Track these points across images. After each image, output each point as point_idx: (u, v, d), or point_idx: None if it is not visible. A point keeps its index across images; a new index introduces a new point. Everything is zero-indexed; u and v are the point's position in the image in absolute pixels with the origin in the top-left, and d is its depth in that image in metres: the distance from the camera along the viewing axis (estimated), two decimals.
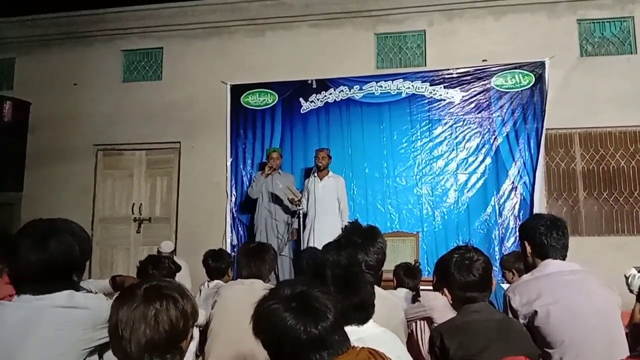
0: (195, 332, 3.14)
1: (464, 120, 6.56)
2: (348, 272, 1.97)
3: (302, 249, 5.96)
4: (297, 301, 1.38)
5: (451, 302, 2.27)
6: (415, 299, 3.93)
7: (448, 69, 6.62)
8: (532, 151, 6.32)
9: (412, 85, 6.67)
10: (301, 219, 6.01)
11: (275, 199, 6.30)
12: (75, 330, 1.75)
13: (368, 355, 1.48)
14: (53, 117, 7.54)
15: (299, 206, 5.95)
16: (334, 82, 6.87)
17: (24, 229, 1.88)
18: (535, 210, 6.05)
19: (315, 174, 6.21)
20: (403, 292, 4.02)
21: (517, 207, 6.31)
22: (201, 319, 2.98)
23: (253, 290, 3.09)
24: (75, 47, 7.81)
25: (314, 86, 6.90)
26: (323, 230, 5.78)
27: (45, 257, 1.79)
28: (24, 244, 1.81)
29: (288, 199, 6.07)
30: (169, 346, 1.46)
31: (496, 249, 6.21)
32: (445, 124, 6.60)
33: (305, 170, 6.72)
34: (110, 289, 2.86)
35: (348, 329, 1.56)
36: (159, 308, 1.44)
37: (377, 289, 2.14)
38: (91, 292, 2.52)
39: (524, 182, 6.32)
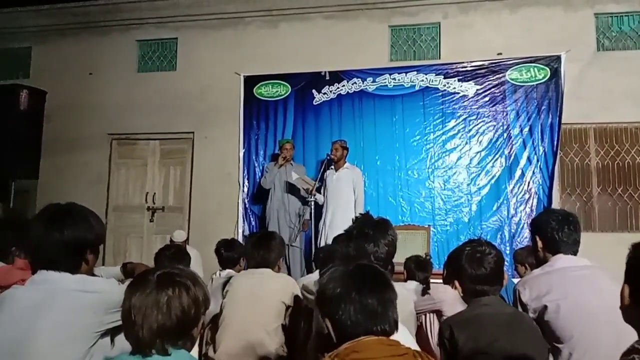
0: None
1: (477, 114, 6.51)
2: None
3: (315, 240, 6.00)
4: (355, 270, 1.61)
5: (462, 294, 2.28)
6: (425, 291, 3.94)
7: (462, 62, 6.56)
8: (546, 146, 6.26)
9: (426, 78, 6.63)
10: (313, 210, 6.01)
11: (289, 189, 6.32)
12: (86, 314, 1.78)
13: (413, 356, 1.48)
14: (68, 106, 7.60)
15: (314, 196, 5.95)
16: (347, 74, 6.86)
17: (41, 212, 1.93)
18: (553, 206, 6.02)
19: (332, 166, 6.23)
20: (413, 285, 4.02)
21: (529, 202, 6.27)
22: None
23: (263, 280, 3.12)
24: (90, 37, 7.87)
25: (327, 78, 6.89)
26: (336, 221, 5.79)
27: (60, 237, 1.83)
28: (40, 224, 1.86)
29: (303, 188, 6.08)
30: (180, 333, 1.49)
31: (507, 243, 6.18)
32: (459, 117, 6.56)
33: (317, 162, 6.72)
34: (121, 275, 2.90)
35: None
36: (172, 295, 1.47)
37: None
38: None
39: (537, 177, 6.27)
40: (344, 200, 6.05)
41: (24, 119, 7.05)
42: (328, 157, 6.19)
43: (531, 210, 6.20)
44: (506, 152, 6.41)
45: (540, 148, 6.27)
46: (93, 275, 2.11)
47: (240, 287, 3.15)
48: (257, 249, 3.23)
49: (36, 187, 7.57)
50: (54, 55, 7.91)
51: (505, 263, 2.84)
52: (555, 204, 6.10)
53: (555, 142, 6.22)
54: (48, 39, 7.99)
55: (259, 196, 6.85)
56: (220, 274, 4.09)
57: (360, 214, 2.71)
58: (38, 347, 1.69)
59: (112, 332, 1.83)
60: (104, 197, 7.55)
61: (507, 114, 6.43)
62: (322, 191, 6.21)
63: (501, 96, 6.46)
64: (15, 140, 6.92)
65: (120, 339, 1.72)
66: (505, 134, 6.42)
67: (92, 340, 1.78)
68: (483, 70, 6.51)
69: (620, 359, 1.31)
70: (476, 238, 2.37)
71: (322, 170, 6.24)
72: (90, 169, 7.59)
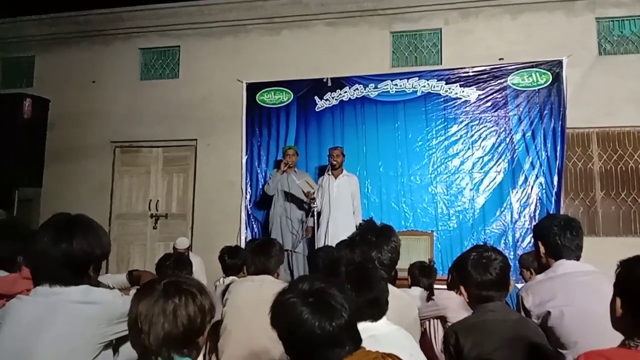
0: None
1: (479, 119, 6.52)
2: (362, 268, 1.99)
3: (316, 247, 5.96)
4: (314, 297, 1.42)
5: (467, 300, 2.27)
6: (429, 297, 3.94)
7: (464, 68, 6.57)
8: (549, 151, 6.26)
9: (428, 84, 6.64)
10: (315, 217, 6.00)
11: (291, 197, 6.31)
12: (89, 326, 1.78)
13: (382, 357, 1.49)
14: (71, 115, 7.63)
15: (313, 203, 5.92)
16: (349, 81, 6.87)
17: (49, 221, 1.91)
18: (561, 210, 6.01)
19: (330, 173, 6.21)
20: (418, 291, 4.03)
21: (533, 207, 6.26)
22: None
23: (263, 287, 3.11)
24: (93, 45, 7.91)
25: (329, 84, 6.90)
26: (337, 228, 5.78)
27: (69, 249, 1.82)
28: (49, 234, 1.84)
29: (304, 192, 6.00)
30: (186, 341, 1.49)
31: (511, 249, 6.16)
32: (461, 122, 6.56)
33: (320, 168, 6.74)
34: (127, 283, 2.90)
35: (361, 325, 1.58)
36: (178, 303, 1.47)
37: (389, 287, 2.16)
38: (109, 287, 2.56)
39: (540, 182, 6.26)
40: (345, 207, 6.05)
41: (28, 128, 7.09)
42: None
43: (535, 215, 6.18)
44: (509, 157, 6.40)
45: (543, 153, 6.27)
46: (100, 283, 2.11)
47: (240, 294, 3.13)
48: (257, 255, 3.22)
49: (40, 196, 7.59)
50: (57, 64, 7.94)
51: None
52: (559, 209, 6.09)
53: (560, 147, 6.22)
54: (51, 47, 8.03)
55: (261, 203, 6.86)
56: (223, 281, 4.09)
57: (363, 220, 2.71)
58: None
59: (116, 342, 1.83)
60: (107, 205, 7.56)
61: (509, 119, 6.44)
62: (319, 197, 6.17)
63: (503, 101, 6.47)
64: (19, 149, 6.96)
65: (125, 348, 1.72)
66: (507, 139, 6.42)
67: (95, 352, 1.78)
68: (485, 76, 6.51)
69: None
70: (482, 243, 2.37)
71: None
72: (94, 177, 7.60)
